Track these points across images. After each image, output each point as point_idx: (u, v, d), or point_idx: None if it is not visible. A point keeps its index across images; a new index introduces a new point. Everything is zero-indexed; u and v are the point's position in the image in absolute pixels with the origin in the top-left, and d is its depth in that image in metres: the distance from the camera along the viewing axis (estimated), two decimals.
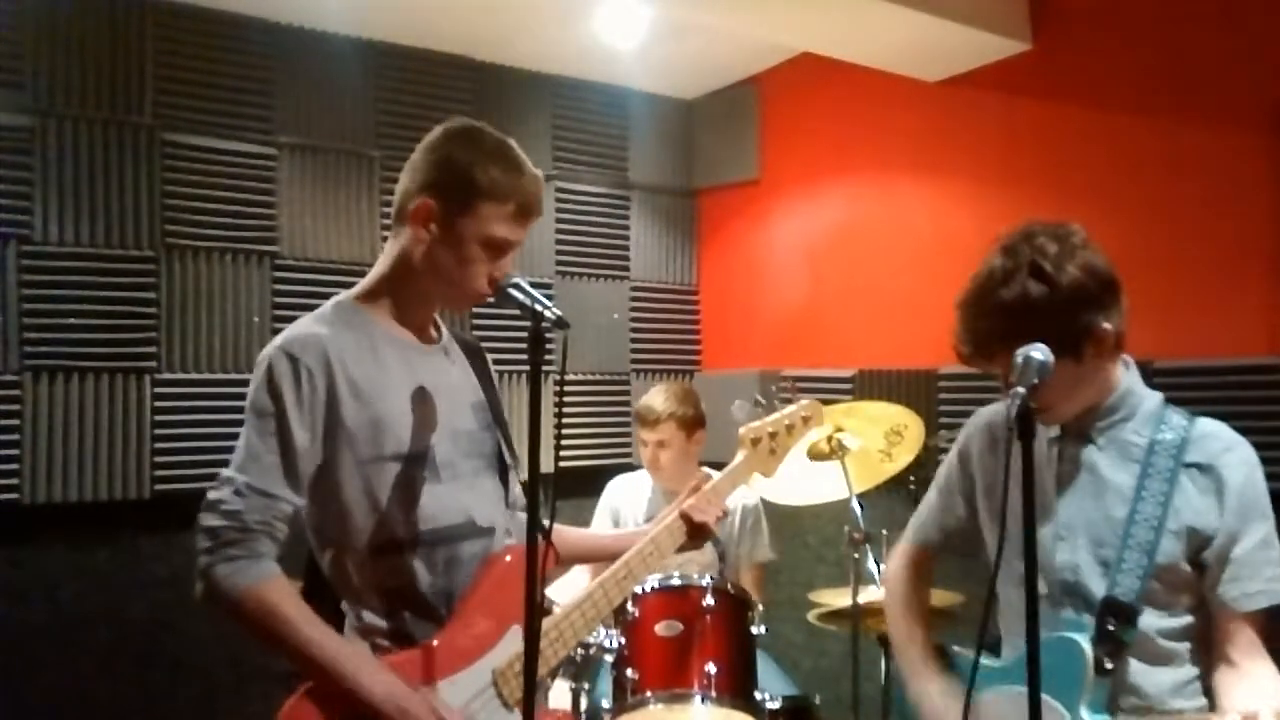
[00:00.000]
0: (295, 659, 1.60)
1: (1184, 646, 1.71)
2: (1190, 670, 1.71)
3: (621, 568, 1.96)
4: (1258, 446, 2.74)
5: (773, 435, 2.24)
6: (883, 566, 2.11)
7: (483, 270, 1.75)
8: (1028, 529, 1.39)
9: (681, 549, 2.08)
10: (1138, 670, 1.67)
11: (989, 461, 1.90)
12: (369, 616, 1.72)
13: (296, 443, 1.63)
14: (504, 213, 1.73)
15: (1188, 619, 1.71)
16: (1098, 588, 1.69)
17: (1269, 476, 2.70)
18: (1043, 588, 1.71)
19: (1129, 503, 1.69)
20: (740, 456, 2.21)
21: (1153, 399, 1.79)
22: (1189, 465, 1.70)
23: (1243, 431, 2.75)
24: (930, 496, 2.05)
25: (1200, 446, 1.71)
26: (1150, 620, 1.67)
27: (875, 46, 3.53)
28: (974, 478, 1.93)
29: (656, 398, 3.23)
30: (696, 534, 2.06)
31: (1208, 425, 1.76)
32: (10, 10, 3.20)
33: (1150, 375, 3.01)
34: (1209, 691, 1.71)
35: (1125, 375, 1.77)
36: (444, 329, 1.92)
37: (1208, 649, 1.72)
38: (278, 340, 1.69)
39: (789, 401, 2.35)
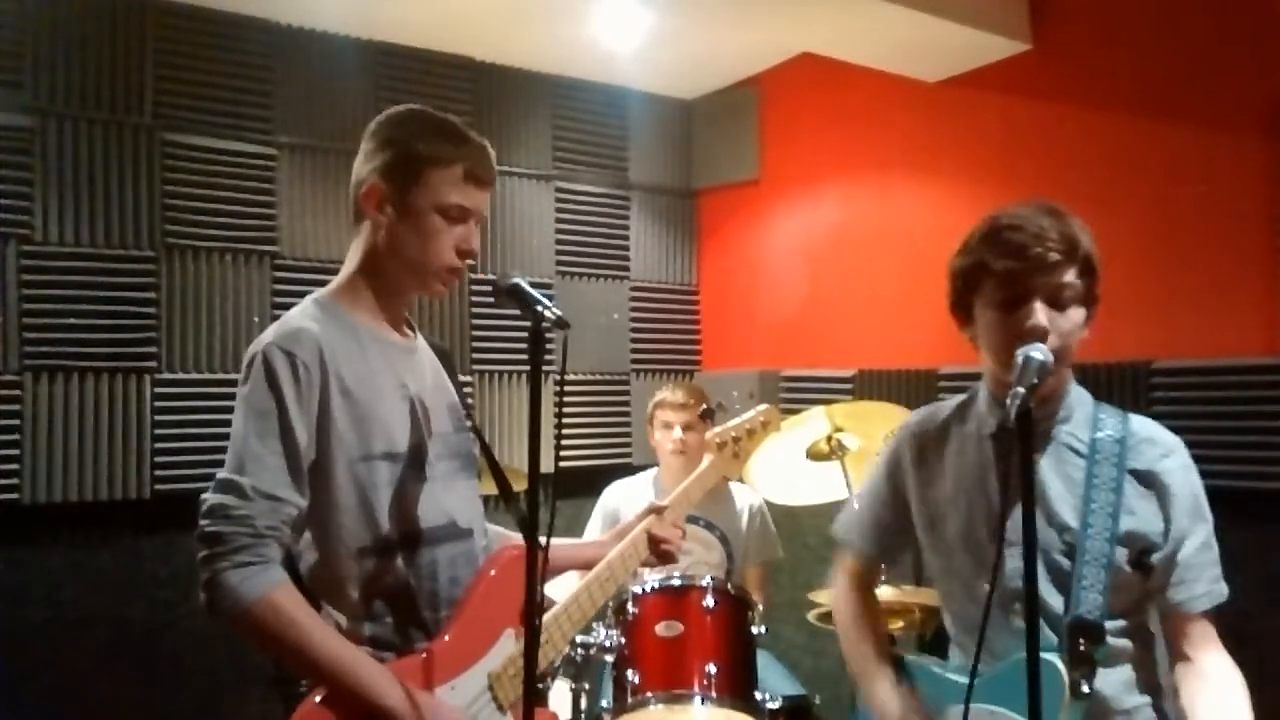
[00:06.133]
0: (305, 667, 1.58)
1: (1128, 644, 1.72)
2: (1130, 668, 1.73)
3: (604, 569, 2.00)
4: (1257, 447, 2.78)
5: (736, 440, 2.33)
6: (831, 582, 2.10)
7: (446, 241, 1.73)
8: (1028, 530, 1.39)
9: (646, 563, 2.11)
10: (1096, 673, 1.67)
11: (921, 470, 1.88)
12: (352, 619, 1.70)
13: (298, 442, 1.60)
14: (452, 177, 1.73)
15: (1130, 618, 1.72)
16: (1050, 595, 1.68)
17: (1266, 477, 2.75)
18: (996, 598, 1.69)
19: (1076, 512, 1.68)
20: (707, 460, 2.30)
21: (1087, 398, 1.79)
22: (1129, 471, 1.70)
23: (1242, 431, 2.79)
24: (861, 507, 2.03)
25: (1139, 452, 1.71)
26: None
27: (875, 46, 3.53)
28: (905, 489, 1.91)
29: (677, 390, 3.33)
30: (663, 558, 2.09)
31: (1144, 427, 1.75)
32: (10, 10, 3.21)
33: (1150, 375, 3.02)
34: (1154, 682, 1.73)
35: (1069, 374, 1.77)
36: (415, 327, 1.90)
37: (1151, 640, 1.74)
38: (269, 336, 1.66)
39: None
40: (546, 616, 1.86)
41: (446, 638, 1.72)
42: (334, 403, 1.65)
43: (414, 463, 1.73)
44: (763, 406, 2.41)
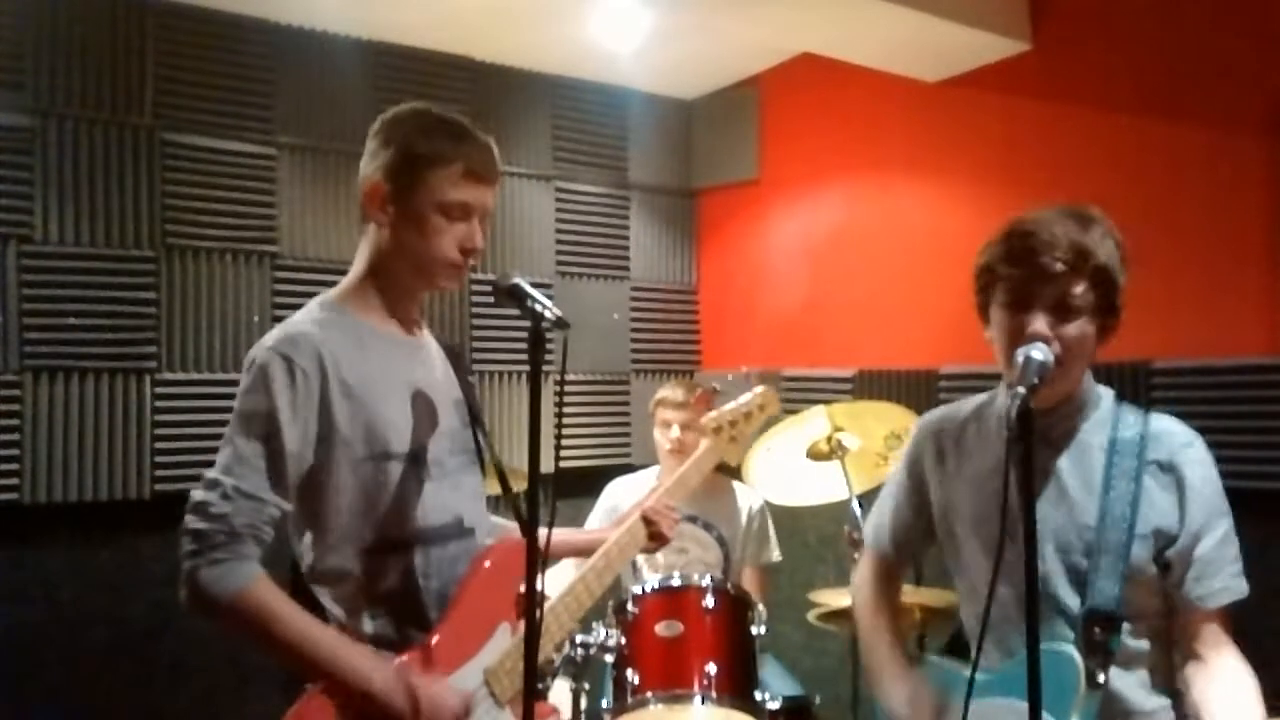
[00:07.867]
0: (288, 657, 1.59)
1: (1146, 645, 1.72)
2: (1150, 671, 1.73)
3: (601, 559, 2.03)
4: (1257, 446, 2.78)
5: (733, 423, 2.37)
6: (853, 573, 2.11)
7: (448, 238, 1.74)
8: (1028, 529, 1.39)
9: (645, 550, 2.19)
10: (1113, 674, 1.67)
11: (941, 469, 1.88)
12: (356, 621, 1.71)
13: (287, 447, 1.61)
14: (451, 175, 1.73)
15: (1149, 620, 1.72)
16: (1067, 595, 1.68)
17: (1266, 476, 2.75)
18: (1011, 597, 1.71)
19: (1096, 506, 1.68)
20: (704, 445, 2.35)
21: (1108, 397, 1.79)
22: (1150, 463, 1.70)
23: (1242, 431, 2.79)
24: (882, 506, 2.03)
25: (1159, 443, 1.71)
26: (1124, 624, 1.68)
27: (875, 47, 3.53)
28: (925, 487, 1.91)
29: (677, 388, 3.31)
30: (654, 538, 2.16)
31: (1164, 422, 1.75)
32: (10, 10, 3.20)
33: (1150, 375, 3.02)
34: (1173, 685, 1.72)
35: (1088, 375, 1.77)
36: (424, 325, 1.90)
37: (1171, 643, 1.73)
38: (269, 340, 1.67)
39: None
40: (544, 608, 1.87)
41: (439, 634, 1.71)
42: (335, 406, 1.65)
43: (420, 461, 1.73)
44: (759, 389, 2.43)
